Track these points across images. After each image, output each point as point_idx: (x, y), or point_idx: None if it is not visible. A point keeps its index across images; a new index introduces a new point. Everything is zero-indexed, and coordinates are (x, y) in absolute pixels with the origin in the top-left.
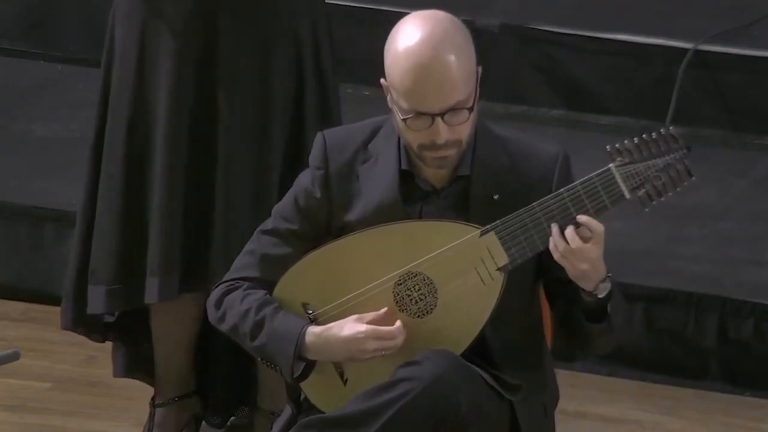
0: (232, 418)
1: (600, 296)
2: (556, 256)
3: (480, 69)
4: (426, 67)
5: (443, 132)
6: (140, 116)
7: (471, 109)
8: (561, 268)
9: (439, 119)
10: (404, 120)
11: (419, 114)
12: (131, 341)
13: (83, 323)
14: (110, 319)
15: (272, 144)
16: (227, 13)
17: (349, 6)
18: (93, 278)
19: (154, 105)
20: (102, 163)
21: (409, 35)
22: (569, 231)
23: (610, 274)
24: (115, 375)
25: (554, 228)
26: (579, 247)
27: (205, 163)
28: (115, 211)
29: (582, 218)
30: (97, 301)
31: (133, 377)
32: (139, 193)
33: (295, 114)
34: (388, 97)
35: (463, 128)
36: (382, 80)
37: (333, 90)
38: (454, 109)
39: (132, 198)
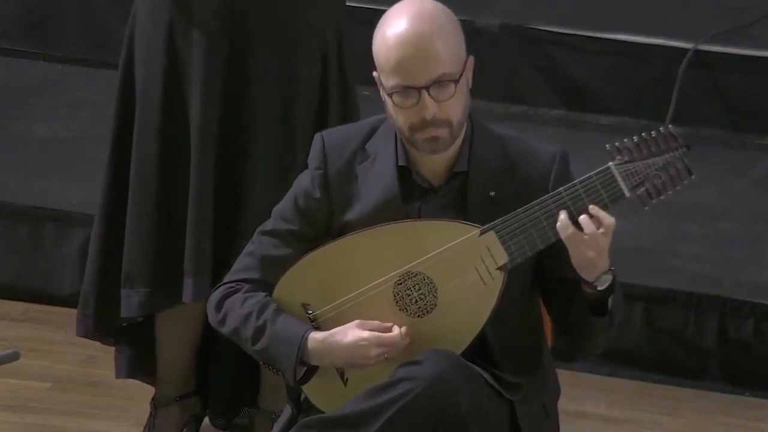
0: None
1: (600, 288)
2: (563, 236)
3: (471, 59)
4: (410, 42)
5: (431, 106)
6: (171, 117)
7: (457, 83)
8: (560, 267)
9: (425, 93)
10: (391, 96)
11: (405, 88)
12: (134, 342)
13: (100, 329)
14: (134, 321)
15: (296, 146)
16: (257, 17)
17: (349, 6)
18: (128, 282)
19: (185, 105)
20: (132, 165)
21: (393, 18)
22: (584, 218)
23: (612, 268)
24: (118, 377)
25: (563, 213)
26: (592, 233)
27: (231, 165)
28: (149, 213)
29: (593, 209)
30: (132, 306)
31: (134, 378)
32: (173, 194)
33: (318, 118)
34: (381, 90)
35: (450, 105)
36: (374, 73)
37: (353, 94)
38: (439, 82)
39: (166, 199)
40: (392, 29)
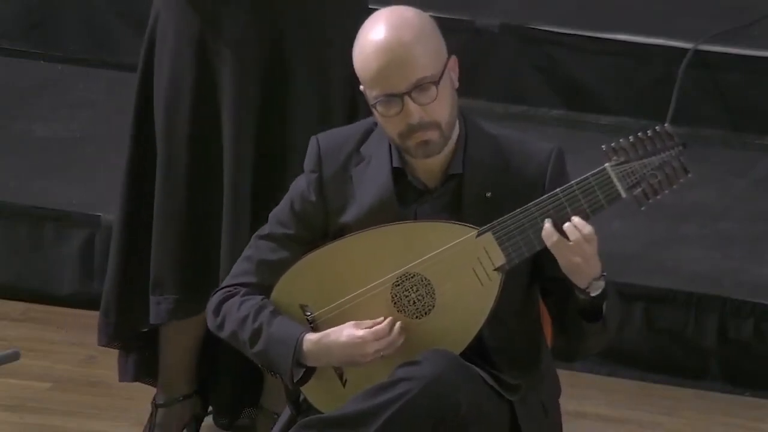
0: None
1: (593, 294)
2: (549, 244)
3: (453, 58)
4: (384, 50)
5: (415, 111)
6: (202, 126)
7: (437, 84)
8: (555, 267)
9: (407, 98)
10: (375, 106)
11: (387, 97)
12: (139, 346)
13: (121, 336)
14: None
15: None
16: (289, 27)
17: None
18: (157, 289)
19: (217, 114)
20: (158, 175)
21: (367, 30)
22: (568, 225)
23: (605, 274)
24: (122, 380)
25: (547, 222)
26: (576, 240)
27: (268, 173)
28: (179, 221)
29: (575, 220)
30: (161, 312)
31: (139, 381)
32: (204, 203)
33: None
34: (369, 101)
35: (435, 108)
36: (360, 86)
37: None
38: (419, 86)
39: (195, 207)
40: (367, 41)
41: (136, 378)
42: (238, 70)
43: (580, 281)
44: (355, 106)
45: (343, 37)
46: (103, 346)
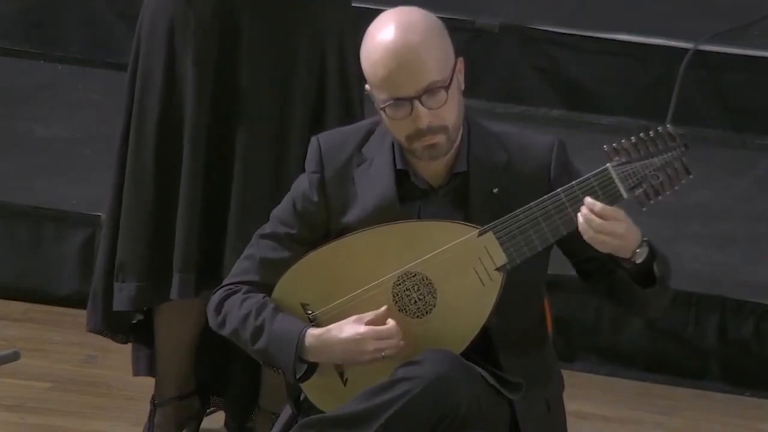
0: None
1: (638, 262)
2: (587, 237)
3: (461, 61)
4: (394, 54)
5: (424, 115)
6: (169, 115)
7: (447, 89)
8: (584, 248)
9: (416, 102)
10: (384, 109)
11: (397, 101)
12: (150, 340)
13: (110, 324)
14: (139, 317)
15: (290, 146)
16: (249, 14)
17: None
18: (120, 275)
19: (181, 105)
20: (128, 162)
21: (376, 32)
22: (599, 207)
23: (646, 239)
24: (136, 374)
25: (584, 208)
26: (610, 224)
27: (223, 163)
28: (143, 208)
29: (600, 208)
30: (123, 298)
31: (152, 376)
32: (166, 191)
33: (314, 117)
34: (375, 103)
35: (444, 112)
36: (366, 86)
37: (357, 94)
38: (429, 91)
39: (159, 195)
40: (376, 44)
41: (149, 372)
42: (198, 59)
43: (624, 255)
44: (323, 89)
45: (313, 24)
46: (90, 332)
